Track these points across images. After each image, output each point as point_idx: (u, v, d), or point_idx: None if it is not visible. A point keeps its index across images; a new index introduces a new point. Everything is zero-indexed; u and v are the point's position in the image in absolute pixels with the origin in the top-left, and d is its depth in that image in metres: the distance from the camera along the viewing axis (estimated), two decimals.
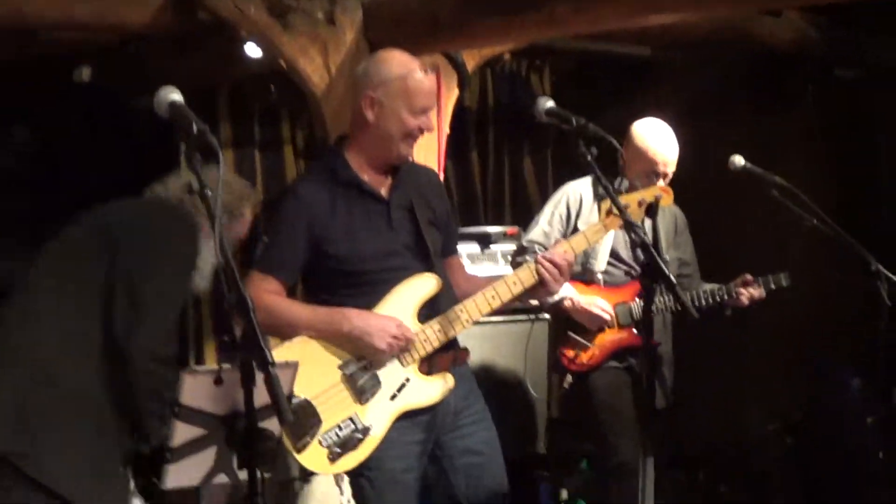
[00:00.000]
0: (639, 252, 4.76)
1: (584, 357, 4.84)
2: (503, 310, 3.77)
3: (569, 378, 4.91)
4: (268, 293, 3.61)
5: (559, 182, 5.17)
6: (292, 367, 3.01)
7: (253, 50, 5.30)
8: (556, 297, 4.68)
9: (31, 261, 3.46)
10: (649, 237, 4.43)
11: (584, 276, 4.83)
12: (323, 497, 4.84)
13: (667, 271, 3.32)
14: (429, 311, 3.68)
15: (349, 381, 3.60)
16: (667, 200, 3.91)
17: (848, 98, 6.86)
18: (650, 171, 4.72)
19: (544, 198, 5.47)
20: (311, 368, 3.43)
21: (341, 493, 4.58)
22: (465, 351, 3.84)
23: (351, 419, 3.59)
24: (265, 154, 6.47)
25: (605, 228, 3.79)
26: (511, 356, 5.41)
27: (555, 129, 3.60)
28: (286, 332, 3.61)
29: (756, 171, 4.64)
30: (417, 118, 3.65)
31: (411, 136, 3.67)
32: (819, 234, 4.52)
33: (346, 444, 3.58)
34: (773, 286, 4.90)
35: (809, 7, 6.17)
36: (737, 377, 6.51)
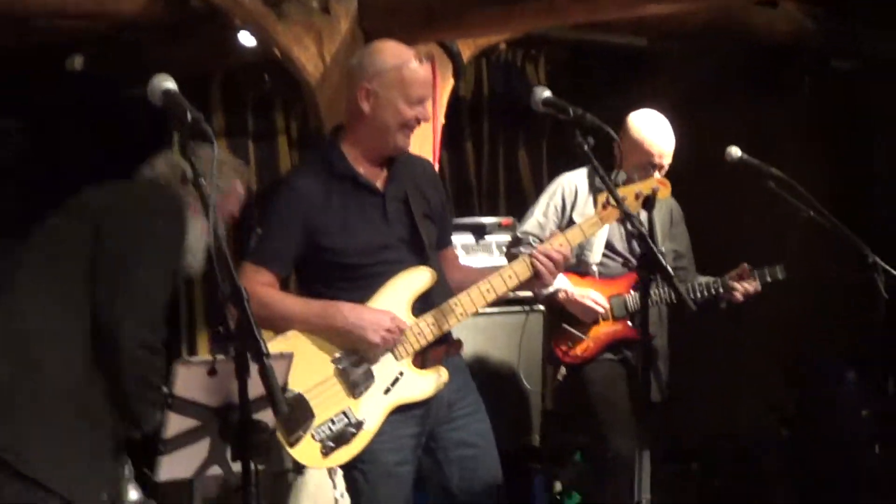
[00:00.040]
0: (635, 244, 4.76)
1: (579, 349, 4.82)
2: (497, 301, 3.76)
3: (563, 370, 4.89)
4: (261, 285, 3.57)
5: (554, 173, 5.15)
6: (287, 358, 2.99)
7: (247, 38, 5.28)
8: (551, 289, 4.66)
9: (14, 253, 3.41)
10: (646, 228, 4.41)
11: (578, 267, 4.81)
12: (316, 489, 4.84)
13: (664, 262, 3.30)
14: (423, 304, 3.66)
15: (342, 374, 3.58)
16: (664, 193, 3.90)
17: (844, 89, 6.87)
18: (646, 163, 4.70)
19: (539, 188, 5.45)
20: (304, 362, 3.40)
21: (334, 486, 4.58)
22: (459, 342, 3.82)
23: (344, 413, 3.57)
24: (259, 144, 6.45)
25: (602, 221, 3.77)
26: (505, 348, 5.39)
27: (550, 119, 3.58)
28: (279, 324, 3.58)
29: (752, 163, 4.62)
30: (414, 108, 3.62)
31: (408, 126, 3.65)
32: (815, 226, 4.50)
33: (340, 439, 3.56)
34: (768, 278, 4.87)
35: None
36: (732, 370, 6.50)
